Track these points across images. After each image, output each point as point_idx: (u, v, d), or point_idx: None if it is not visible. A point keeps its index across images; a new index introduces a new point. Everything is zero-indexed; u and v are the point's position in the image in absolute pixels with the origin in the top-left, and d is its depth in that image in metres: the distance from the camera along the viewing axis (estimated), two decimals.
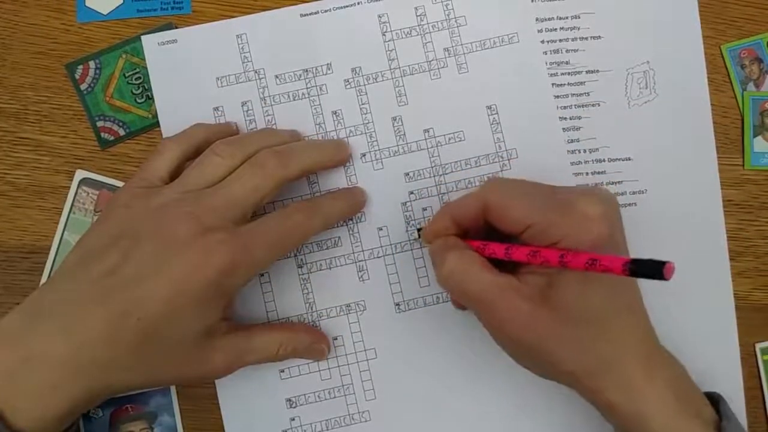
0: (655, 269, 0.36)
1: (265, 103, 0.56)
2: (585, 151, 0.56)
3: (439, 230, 0.48)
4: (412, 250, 0.55)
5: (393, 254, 0.55)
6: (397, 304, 0.55)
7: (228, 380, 0.52)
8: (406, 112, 0.56)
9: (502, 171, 0.55)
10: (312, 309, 0.55)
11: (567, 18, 0.57)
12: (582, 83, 0.57)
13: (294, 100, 0.56)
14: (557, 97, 0.56)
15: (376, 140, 0.56)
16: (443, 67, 0.56)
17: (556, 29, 0.57)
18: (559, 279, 0.43)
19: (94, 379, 0.44)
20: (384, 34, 0.56)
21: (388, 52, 0.56)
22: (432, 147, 0.56)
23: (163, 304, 0.44)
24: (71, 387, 0.44)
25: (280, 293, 0.55)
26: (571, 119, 0.56)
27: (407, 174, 0.55)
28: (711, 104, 0.57)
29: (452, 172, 0.55)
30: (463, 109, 0.56)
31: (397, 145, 0.56)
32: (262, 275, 0.55)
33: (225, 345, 0.48)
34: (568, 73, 0.57)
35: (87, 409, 0.47)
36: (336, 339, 0.55)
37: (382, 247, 0.55)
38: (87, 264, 0.46)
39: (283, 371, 0.54)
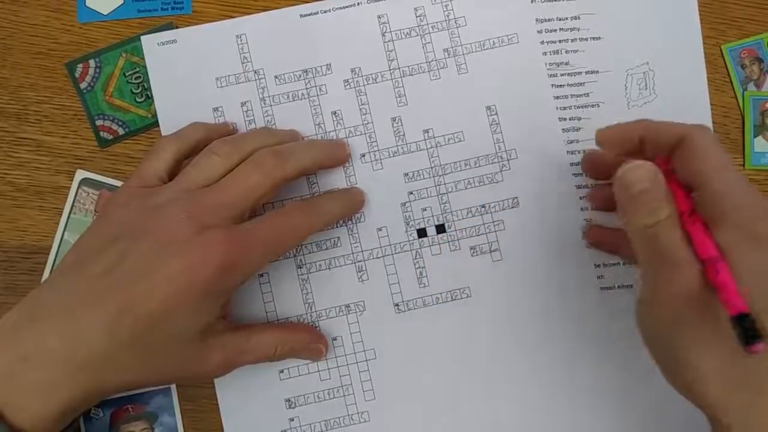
0: (748, 338, 0.36)
1: (264, 104, 0.56)
2: (585, 151, 0.56)
3: (625, 139, 0.46)
4: (411, 250, 0.55)
5: (392, 255, 0.55)
6: (397, 305, 0.55)
7: (227, 380, 0.52)
8: (405, 112, 0.56)
9: (501, 171, 0.55)
10: (311, 309, 0.55)
11: (567, 19, 0.57)
12: (582, 84, 0.57)
13: (293, 100, 0.56)
14: (557, 97, 0.56)
15: (376, 141, 0.56)
16: (443, 68, 0.56)
17: (555, 30, 0.57)
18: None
19: (92, 377, 0.44)
20: (384, 35, 0.56)
21: (388, 53, 0.56)
22: (431, 147, 0.56)
23: (161, 302, 0.44)
24: (70, 386, 0.44)
25: (280, 294, 0.55)
26: (570, 120, 0.56)
27: (407, 174, 0.55)
28: (711, 104, 0.57)
29: (452, 172, 0.55)
30: (462, 110, 0.56)
31: (397, 146, 0.56)
32: (262, 275, 0.55)
33: (223, 344, 0.48)
34: (568, 74, 0.57)
35: (87, 407, 0.47)
36: (335, 339, 0.54)
37: (381, 247, 0.55)
38: (85, 263, 0.46)
39: (282, 371, 0.54)
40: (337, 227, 0.55)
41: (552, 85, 0.57)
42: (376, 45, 0.56)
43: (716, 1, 0.58)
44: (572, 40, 0.57)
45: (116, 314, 0.43)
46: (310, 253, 0.55)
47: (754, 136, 0.57)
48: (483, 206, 0.55)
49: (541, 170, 0.55)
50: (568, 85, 0.57)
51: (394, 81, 0.56)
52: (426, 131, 0.56)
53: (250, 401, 0.54)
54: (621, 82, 0.57)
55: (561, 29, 0.57)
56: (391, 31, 0.56)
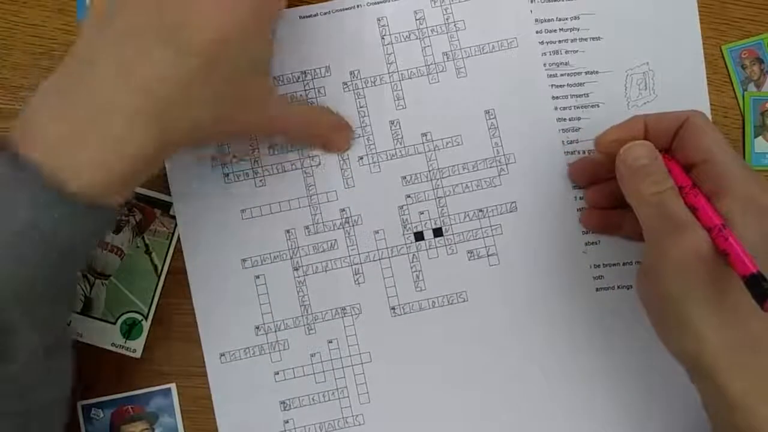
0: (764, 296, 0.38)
1: None
2: (584, 152, 0.56)
3: (631, 133, 0.48)
4: (408, 253, 0.55)
5: (389, 257, 0.55)
6: (393, 308, 0.55)
7: (222, 381, 0.54)
8: (404, 115, 0.56)
9: (499, 175, 0.55)
10: (307, 311, 0.55)
11: (566, 19, 0.57)
12: (581, 84, 0.57)
13: (292, 101, 0.56)
14: (556, 98, 0.56)
15: (374, 143, 0.56)
16: (442, 71, 0.56)
17: (555, 30, 0.57)
18: None
19: (161, 120, 0.42)
20: (383, 38, 0.56)
21: (387, 56, 0.56)
22: (429, 151, 0.56)
23: (216, 30, 0.42)
24: (137, 136, 0.42)
25: (276, 295, 0.55)
26: (570, 120, 0.56)
27: (404, 177, 0.56)
28: (711, 105, 0.57)
29: (449, 176, 0.55)
30: (461, 114, 0.56)
31: (395, 149, 0.56)
32: (258, 277, 0.55)
33: (277, 93, 0.52)
34: (568, 74, 0.57)
35: (151, 169, 0.45)
36: (331, 342, 0.55)
37: (378, 250, 0.55)
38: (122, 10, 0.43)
39: (277, 374, 0.54)
40: (334, 230, 0.55)
41: (551, 86, 0.57)
42: (376, 48, 0.56)
43: (716, 1, 0.58)
44: (572, 41, 0.57)
45: (174, 53, 0.42)
46: (306, 255, 0.55)
47: (755, 137, 0.57)
48: (481, 210, 0.55)
49: (538, 174, 0.56)
50: (567, 85, 0.57)
51: (393, 84, 0.56)
52: (424, 134, 0.56)
53: (244, 403, 0.54)
54: (621, 82, 0.57)
55: (561, 29, 0.57)
56: (390, 34, 0.56)
